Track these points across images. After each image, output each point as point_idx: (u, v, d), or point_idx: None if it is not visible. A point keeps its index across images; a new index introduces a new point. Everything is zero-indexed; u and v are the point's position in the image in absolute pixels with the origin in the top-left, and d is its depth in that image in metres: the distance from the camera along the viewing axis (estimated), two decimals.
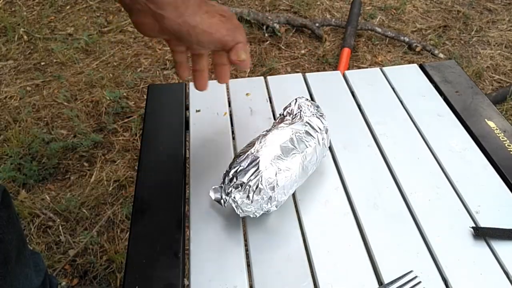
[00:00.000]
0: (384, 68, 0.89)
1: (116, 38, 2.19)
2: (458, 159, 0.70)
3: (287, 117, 0.65)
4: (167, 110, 0.79)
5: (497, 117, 0.78)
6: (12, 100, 1.83)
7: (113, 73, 1.97)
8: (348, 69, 1.93)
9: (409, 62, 2.03)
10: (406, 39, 2.12)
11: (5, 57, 2.06)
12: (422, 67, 0.90)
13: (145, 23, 0.48)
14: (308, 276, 0.54)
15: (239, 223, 0.60)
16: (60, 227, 1.37)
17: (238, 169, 0.56)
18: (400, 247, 0.58)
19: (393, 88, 0.85)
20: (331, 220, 0.61)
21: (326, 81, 0.86)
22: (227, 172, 0.58)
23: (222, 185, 0.58)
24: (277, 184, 0.56)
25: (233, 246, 0.58)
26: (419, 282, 0.53)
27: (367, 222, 0.61)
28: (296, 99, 0.66)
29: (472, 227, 0.59)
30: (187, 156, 0.71)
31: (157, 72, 1.98)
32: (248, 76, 1.93)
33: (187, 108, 0.80)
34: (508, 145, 0.72)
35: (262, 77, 0.86)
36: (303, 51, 2.11)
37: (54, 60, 2.04)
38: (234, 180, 0.56)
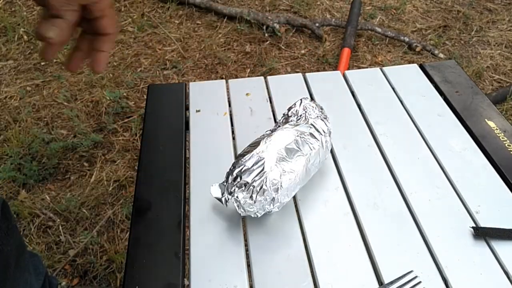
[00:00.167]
0: (384, 68, 0.90)
1: (116, 38, 2.19)
2: (458, 159, 0.70)
3: (292, 118, 0.65)
4: (167, 110, 0.79)
5: (497, 117, 0.78)
6: (12, 100, 1.83)
7: (113, 73, 1.96)
8: (348, 69, 1.93)
9: (409, 62, 2.03)
10: (406, 39, 2.12)
11: (5, 57, 2.06)
12: (422, 67, 0.90)
13: None
14: (308, 276, 0.54)
15: (239, 223, 0.60)
16: (60, 227, 1.37)
17: (242, 168, 0.56)
18: (400, 247, 0.58)
19: (393, 88, 0.85)
20: (331, 220, 0.61)
21: (326, 81, 0.86)
22: (231, 171, 0.57)
23: (224, 183, 0.58)
24: (281, 185, 0.56)
25: (233, 246, 0.58)
26: (419, 282, 0.53)
27: (367, 222, 0.61)
28: (301, 100, 0.66)
29: (472, 227, 0.59)
30: (187, 156, 0.71)
31: (157, 72, 1.98)
32: (248, 76, 1.93)
33: (187, 108, 0.80)
34: (508, 145, 0.72)
35: (262, 77, 0.86)
36: (303, 51, 2.11)
37: (54, 60, 2.04)
38: (238, 179, 0.56)
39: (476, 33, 2.26)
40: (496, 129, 0.75)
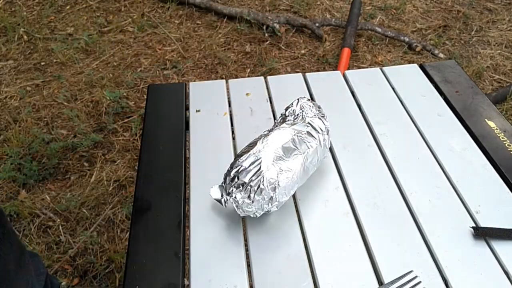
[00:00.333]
0: (384, 68, 0.89)
1: (116, 38, 2.19)
2: (458, 159, 0.70)
3: (289, 117, 0.65)
4: (167, 110, 0.79)
5: (497, 117, 0.78)
6: (12, 100, 1.83)
7: (113, 73, 1.97)
8: (348, 69, 1.93)
9: (409, 62, 2.03)
10: (406, 39, 2.12)
11: (5, 57, 2.06)
12: (422, 67, 0.90)
13: None
14: (308, 276, 0.54)
15: (239, 223, 0.60)
16: (60, 227, 1.37)
17: (239, 168, 0.56)
18: (400, 247, 0.58)
19: (393, 88, 0.85)
20: (331, 220, 0.61)
21: (326, 81, 0.86)
22: (229, 172, 0.57)
23: (223, 184, 0.58)
24: (278, 184, 0.56)
25: (233, 246, 0.58)
26: (419, 282, 0.53)
27: (367, 222, 0.61)
28: (298, 100, 0.66)
29: (472, 227, 0.59)
30: (187, 156, 0.71)
31: (157, 72, 1.98)
32: (248, 76, 1.93)
33: (187, 108, 0.80)
34: (508, 145, 0.72)
35: (262, 77, 0.86)
36: (303, 51, 2.11)
37: (54, 60, 2.04)
38: (236, 180, 0.56)
39: (476, 33, 2.26)
40: (496, 129, 0.75)
